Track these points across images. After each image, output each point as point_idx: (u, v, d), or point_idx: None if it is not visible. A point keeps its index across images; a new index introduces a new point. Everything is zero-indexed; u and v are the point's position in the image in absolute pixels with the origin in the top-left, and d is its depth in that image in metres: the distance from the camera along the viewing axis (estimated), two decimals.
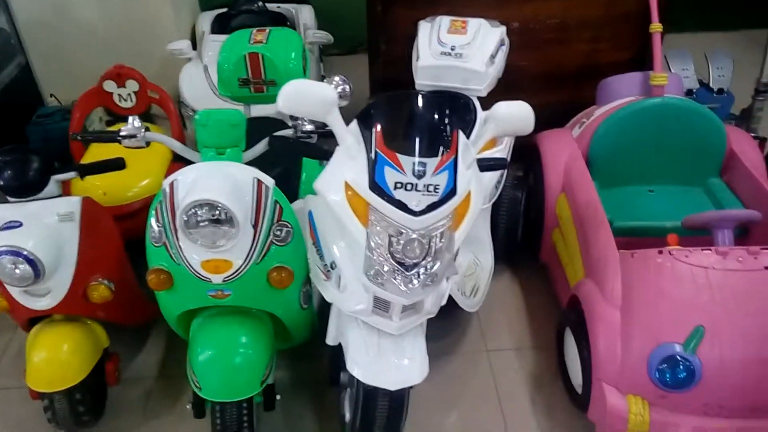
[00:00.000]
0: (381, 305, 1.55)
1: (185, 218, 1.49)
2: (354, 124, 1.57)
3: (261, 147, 1.69)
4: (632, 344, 1.63)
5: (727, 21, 4.08)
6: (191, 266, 1.55)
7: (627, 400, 1.61)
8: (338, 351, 1.67)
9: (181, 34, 3.38)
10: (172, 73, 3.09)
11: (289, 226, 1.64)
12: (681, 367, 1.56)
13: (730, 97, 2.92)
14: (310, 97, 1.46)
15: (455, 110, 2.12)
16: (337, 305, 1.64)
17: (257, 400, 1.75)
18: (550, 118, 2.22)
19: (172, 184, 1.55)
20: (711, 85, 2.92)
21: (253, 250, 1.57)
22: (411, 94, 1.65)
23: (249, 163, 1.69)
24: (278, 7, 3.56)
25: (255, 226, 1.57)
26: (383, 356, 1.57)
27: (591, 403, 1.70)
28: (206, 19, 3.43)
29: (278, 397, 1.78)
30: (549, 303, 2.27)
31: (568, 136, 2.33)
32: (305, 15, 3.52)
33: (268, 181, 1.61)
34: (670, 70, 2.87)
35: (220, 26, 3.37)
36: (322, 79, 3.28)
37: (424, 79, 2.28)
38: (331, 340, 1.70)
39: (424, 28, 2.38)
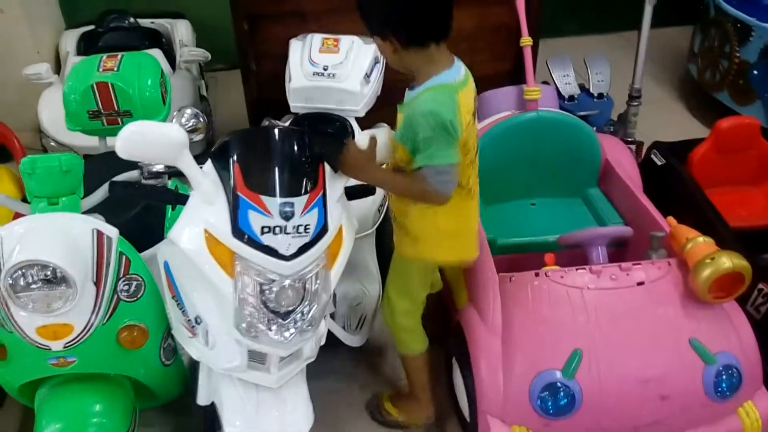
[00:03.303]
0: (257, 358, 1.43)
1: (10, 281, 1.33)
2: (209, 164, 1.43)
3: (101, 194, 1.52)
4: (514, 373, 1.58)
5: (604, 23, 4.23)
6: (24, 334, 1.38)
7: None
8: (214, 408, 1.53)
9: (43, 56, 3.11)
10: (32, 100, 2.83)
11: (140, 279, 1.49)
12: (561, 393, 1.53)
13: (609, 102, 2.98)
14: (153, 142, 1.29)
15: (327, 135, 2.02)
16: (207, 363, 1.50)
17: None
18: None
19: None
20: (591, 90, 2.97)
21: (96, 310, 1.42)
22: (270, 128, 1.52)
23: (99, 206, 1.53)
24: (152, 22, 3.33)
25: (97, 283, 1.42)
26: (263, 411, 1.45)
27: None
28: (71, 39, 3.16)
29: None
30: (441, 331, 2.19)
31: None
32: (181, 30, 3.31)
33: (111, 231, 1.46)
34: (552, 76, 2.90)
35: (86, 46, 3.11)
36: (202, 100, 3.14)
37: (297, 101, 2.18)
38: (202, 400, 1.55)
39: (295, 47, 2.27)
